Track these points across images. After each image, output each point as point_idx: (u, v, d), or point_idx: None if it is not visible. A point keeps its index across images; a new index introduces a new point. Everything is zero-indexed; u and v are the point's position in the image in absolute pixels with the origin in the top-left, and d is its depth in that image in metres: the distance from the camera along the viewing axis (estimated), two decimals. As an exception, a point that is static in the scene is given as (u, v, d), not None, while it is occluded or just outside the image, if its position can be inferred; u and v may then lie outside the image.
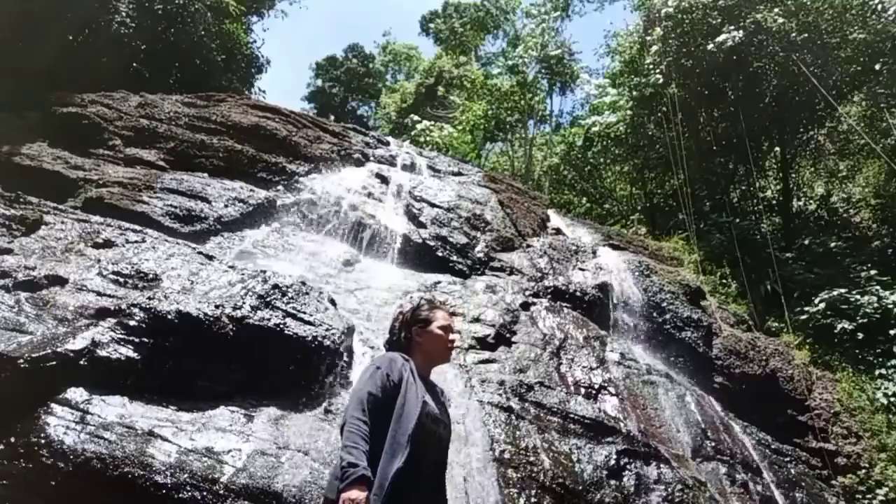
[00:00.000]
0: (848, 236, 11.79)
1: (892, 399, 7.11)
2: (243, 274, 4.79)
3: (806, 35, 11.07)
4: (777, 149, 13.44)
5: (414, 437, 2.25)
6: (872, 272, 8.88)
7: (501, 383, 4.97)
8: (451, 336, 2.60)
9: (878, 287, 8.42)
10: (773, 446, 6.35)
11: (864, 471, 6.34)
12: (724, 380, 6.94)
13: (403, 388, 2.38)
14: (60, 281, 4.26)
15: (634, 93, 14.00)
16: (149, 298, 3.93)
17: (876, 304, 8.06)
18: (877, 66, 10.72)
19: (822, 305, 8.36)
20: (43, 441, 3.00)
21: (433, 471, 2.37)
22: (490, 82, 21.05)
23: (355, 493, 2.10)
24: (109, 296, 4.24)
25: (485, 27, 26.72)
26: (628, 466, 4.63)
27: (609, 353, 6.29)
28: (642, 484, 4.54)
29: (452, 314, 2.70)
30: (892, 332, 7.76)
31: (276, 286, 4.46)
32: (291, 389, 4.07)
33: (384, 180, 8.70)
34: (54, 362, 3.33)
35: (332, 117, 21.67)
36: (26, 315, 3.85)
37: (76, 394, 3.31)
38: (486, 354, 5.58)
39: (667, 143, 12.50)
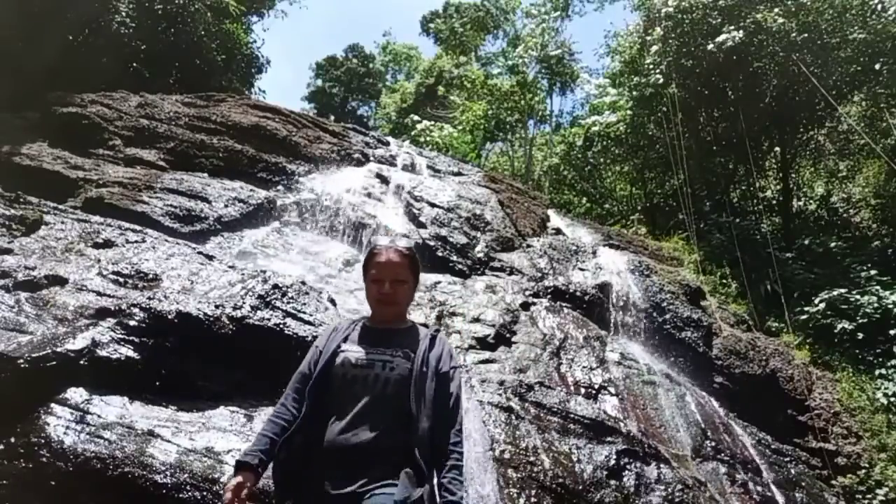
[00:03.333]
0: (848, 236, 11.78)
1: (892, 399, 7.10)
2: (243, 274, 4.79)
3: (806, 35, 11.07)
4: (777, 149, 13.43)
5: (313, 390, 2.15)
6: (872, 272, 8.88)
7: (501, 383, 4.97)
8: (381, 290, 2.30)
9: (878, 287, 8.41)
10: (773, 446, 6.35)
11: (864, 471, 6.34)
12: (724, 380, 6.94)
13: (329, 345, 2.27)
14: (60, 281, 4.26)
15: (634, 93, 14.00)
16: (149, 298, 3.93)
17: (876, 304, 8.06)
18: (877, 66, 10.71)
19: (822, 305, 8.35)
20: (43, 441, 3.00)
21: (365, 410, 2.09)
22: (490, 82, 21.05)
23: (228, 482, 2.04)
24: (109, 296, 4.24)
25: (485, 27, 26.73)
26: (628, 466, 4.62)
27: (609, 353, 6.29)
28: (642, 484, 4.54)
29: (390, 260, 2.30)
30: (892, 332, 7.76)
31: (276, 286, 4.46)
32: (291, 389, 4.06)
33: (384, 180, 8.70)
34: (54, 362, 3.33)
35: (332, 117, 21.69)
36: (26, 315, 3.85)
37: (76, 394, 3.31)
38: (486, 354, 5.58)
39: (667, 143, 12.49)
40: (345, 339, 2.27)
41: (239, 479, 2.02)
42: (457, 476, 2.11)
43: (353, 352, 2.21)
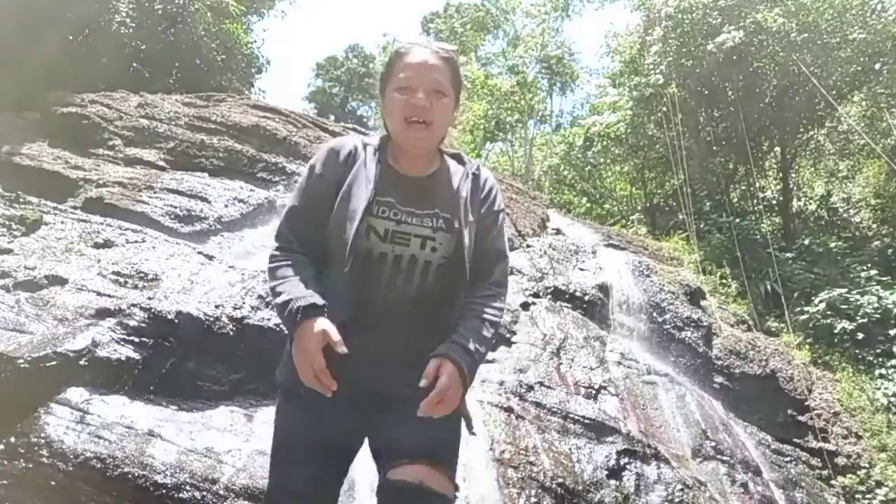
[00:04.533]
0: (848, 236, 11.79)
1: (892, 399, 7.10)
2: (243, 274, 4.79)
3: (806, 35, 11.07)
4: (777, 149, 13.44)
5: (317, 251, 1.56)
6: (872, 272, 8.88)
7: (501, 383, 4.97)
8: (412, 101, 1.56)
9: (878, 287, 8.42)
10: (773, 446, 6.35)
11: (864, 471, 6.34)
12: (724, 380, 6.95)
13: (345, 188, 1.57)
14: (60, 281, 4.26)
15: (634, 93, 14.00)
16: (149, 298, 3.93)
17: (876, 304, 8.06)
18: (877, 66, 10.72)
19: (822, 305, 8.35)
20: (43, 441, 3.00)
21: (398, 311, 1.56)
22: (490, 82, 21.08)
23: (307, 332, 1.42)
24: (109, 296, 4.24)
25: (485, 27, 26.73)
26: (628, 466, 4.62)
27: (609, 353, 6.29)
28: (642, 484, 4.54)
29: (425, 62, 1.59)
30: (892, 331, 7.76)
31: (276, 286, 4.45)
32: (291, 389, 4.06)
33: (384, 180, 8.69)
34: (54, 362, 3.33)
35: (332, 117, 21.70)
36: (26, 315, 3.85)
37: (76, 394, 3.30)
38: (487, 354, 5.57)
39: (667, 143, 12.50)
40: (366, 184, 1.56)
41: (321, 325, 1.43)
42: (476, 328, 1.57)
43: (381, 214, 1.55)
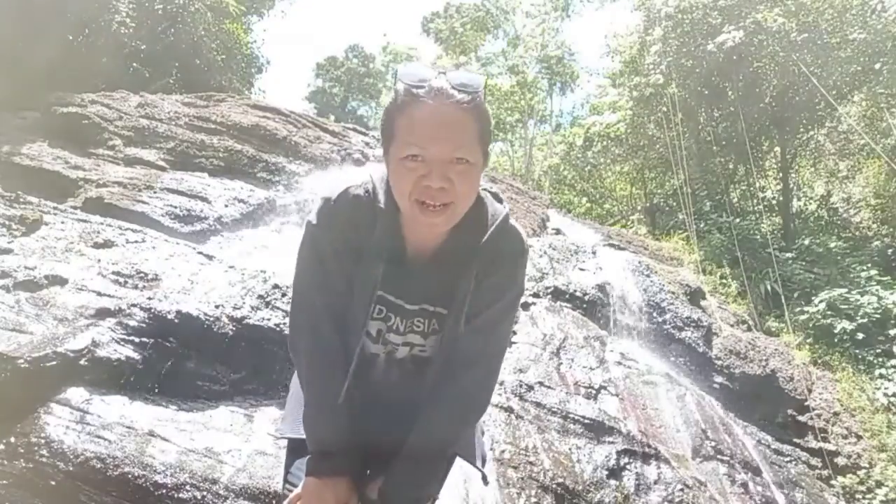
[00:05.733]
0: (848, 236, 11.81)
1: (892, 399, 7.10)
2: (243, 274, 4.79)
3: (806, 35, 11.07)
4: (777, 149, 13.44)
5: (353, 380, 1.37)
6: (872, 272, 8.89)
7: (501, 383, 4.97)
8: (426, 182, 1.19)
9: (878, 287, 8.43)
10: (773, 446, 6.35)
11: (864, 471, 6.34)
12: (724, 380, 6.95)
13: (352, 278, 1.37)
14: (60, 281, 4.26)
15: (634, 93, 14.01)
16: (149, 298, 3.94)
17: (876, 304, 8.06)
18: (877, 66, 10.72)
19: (822, 305, 8.36)
20: (43, 441, 3.00)
21: (381, 403, 1.46)
22: (490, 82, 21.09)
23: (329, 487, 1.31)
24: (109, 296, 4.24)
25: (485, 27, 26.76)
26: (628, 466, 4.63)
27: (609, 353, 6.29)
28: (642, 484, 4.54)
29: (443, 122, 1.19)
30: (892, 332, 7.77)
31: (276, 286, 4.47)
32: (291, 389, 4.06)
33: (384, 180, 8.69)
34: (54, 362, 3.33)
35: (332, 117, 21.71)
36: (26, 315, 3.85)
37: (76, 394, 3.31)
38: (487, 354, 5.57)
39: (667, 143, 12.51)
40: (367, 283, 1.37)
41: (346, 492, 1.33)
42: (407, 470, 1.36)
43: (376, 315, 1.38)
